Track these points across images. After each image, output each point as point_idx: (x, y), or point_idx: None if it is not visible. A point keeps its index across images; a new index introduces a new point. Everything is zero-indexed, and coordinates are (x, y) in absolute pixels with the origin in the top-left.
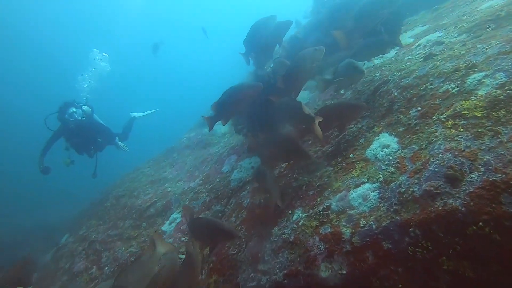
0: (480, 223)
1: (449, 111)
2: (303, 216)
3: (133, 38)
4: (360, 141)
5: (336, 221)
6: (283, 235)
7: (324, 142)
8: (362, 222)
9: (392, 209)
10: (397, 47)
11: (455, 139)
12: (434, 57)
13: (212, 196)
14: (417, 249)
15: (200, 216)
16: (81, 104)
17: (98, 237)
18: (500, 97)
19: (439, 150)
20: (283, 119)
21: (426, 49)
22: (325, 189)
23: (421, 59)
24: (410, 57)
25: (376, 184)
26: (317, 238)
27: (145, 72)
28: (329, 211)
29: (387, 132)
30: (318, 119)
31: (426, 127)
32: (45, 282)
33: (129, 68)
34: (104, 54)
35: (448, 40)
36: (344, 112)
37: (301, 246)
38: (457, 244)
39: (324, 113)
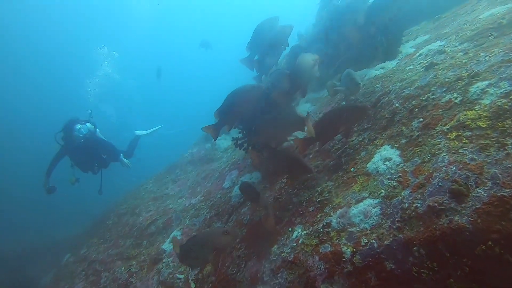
0: (489, 242)
1: (452, 121)
2: (303, 233)
3: (140, 42)
4: (362, 154)
5: (336, 239)
6: (283, 254)
7: (325, 155)
8: (364, 240)
9: (394, 227)
10: (398, 58)
11: (459, 151)
12: (435, 67)
13: (213, 213)
14: (422, 270)
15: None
16: (85, 121)
17: (98, 256)
18: (505, 106)
19: (443, 163)
20: (279, 125)
21: (427, 58)
22: (326, 205)
23: (423, 69)
24: (412, 67)
25: (378, 199)
26: (317, 258)
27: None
28: (330, 229)
29: (389, 145)
30: (309, 119)
31: (429, 139)
32: None
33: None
34: (114, 52)
35: (450, 49)
36: (349, 116)
37: (300, 266)
38: (465, 265)
39: (329, 118)
